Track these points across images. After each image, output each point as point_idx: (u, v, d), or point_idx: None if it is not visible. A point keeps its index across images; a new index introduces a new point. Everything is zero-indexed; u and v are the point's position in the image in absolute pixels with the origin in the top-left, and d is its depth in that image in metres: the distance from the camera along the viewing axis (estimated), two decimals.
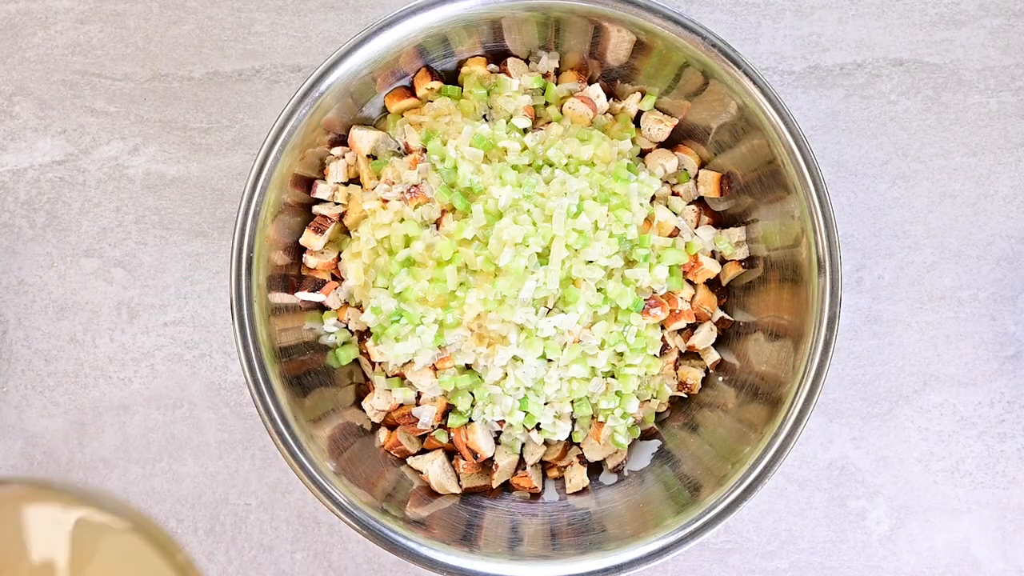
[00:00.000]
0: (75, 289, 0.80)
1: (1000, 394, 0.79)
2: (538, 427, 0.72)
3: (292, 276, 0.72)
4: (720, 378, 0.74)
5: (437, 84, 0.73)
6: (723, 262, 0.74)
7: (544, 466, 0.75)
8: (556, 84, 0.74)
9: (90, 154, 0.80)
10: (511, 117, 0.72)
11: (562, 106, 0.73)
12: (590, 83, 0.74)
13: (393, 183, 0.71)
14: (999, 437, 0.79)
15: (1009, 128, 0.80)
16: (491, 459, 0.73)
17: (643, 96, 0.74)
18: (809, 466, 0.79)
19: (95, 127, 0.80)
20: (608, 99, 0.74)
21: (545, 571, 0.65)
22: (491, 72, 0.74)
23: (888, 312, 0.79)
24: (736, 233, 0.73)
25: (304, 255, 0.72)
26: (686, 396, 0.75)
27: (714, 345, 0.75)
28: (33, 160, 0.80)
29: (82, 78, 0.80)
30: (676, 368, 0.75)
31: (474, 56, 0.73)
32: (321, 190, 0.72)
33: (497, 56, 0.74)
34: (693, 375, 0.74)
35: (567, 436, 0.73)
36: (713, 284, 0.75)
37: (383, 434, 0.74)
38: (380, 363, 0.73)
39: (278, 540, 0.79)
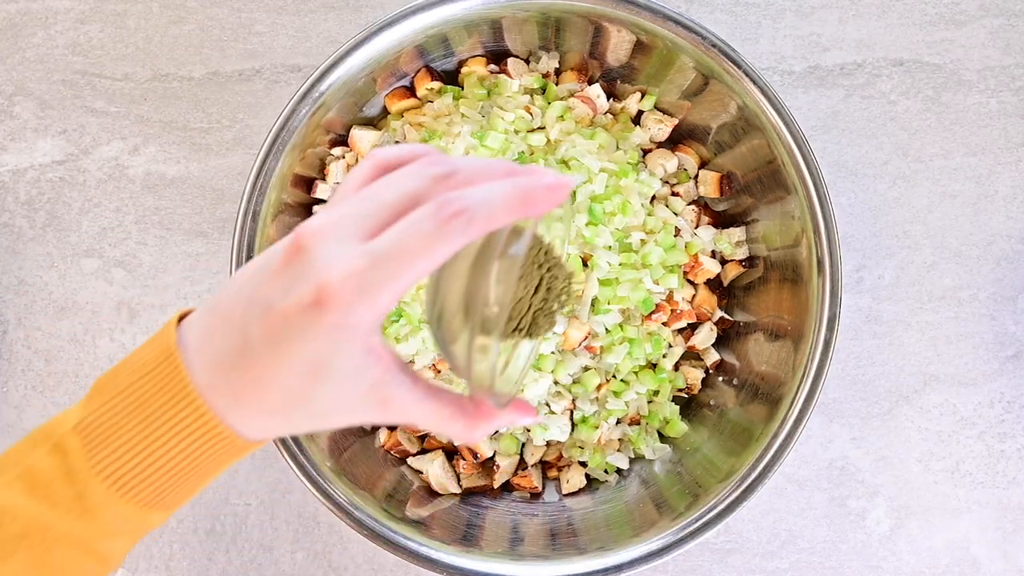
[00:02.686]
0: (75, 289, 0.79)
1: (1000, 394, 0.79)
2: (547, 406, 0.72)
3: None
4: (720, 378, 0.74)
5: (437, 84, 0.73)
6: (723, 262, 0.74)
7: (544, 466, 0.75)
8: (556, 84, 0.74)
9: (90, 154, 0.80)
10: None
11: None
12: (590, 83, 0.74)
13: None
14: (999, 437, 0.79)
15: (1009, 128, 0.80)
16: (491, 459, 0.73)
17: (643, 96, 0.73)
18: (809, 466, 0.79)
19: (95, 127, 0.80)
20: (608, 99, 0.74)
21: (545, 571, 0.65)
22: (491, 72, 0.74)
23: (888, 312, 0.79)
24: (736, 233, 0.73)
25: None
26: (686, 396, 0.75)
27: (714, 345, 0.75)
28: (33, 160, 0.80)
29: (82, 78, 0.80)
30: (676, 368, 0.75)
31: (474, 56, 0.73)
32: (321, 190, 0.72)
33: (497, 56, 0.74)
34: (693, 375, 0.74)
35: (567, 437, 0.73)
36: (713, 284, 0.75)
37: (383, 434, 0.74)
38: None
39: (278, 540, 0.79)
